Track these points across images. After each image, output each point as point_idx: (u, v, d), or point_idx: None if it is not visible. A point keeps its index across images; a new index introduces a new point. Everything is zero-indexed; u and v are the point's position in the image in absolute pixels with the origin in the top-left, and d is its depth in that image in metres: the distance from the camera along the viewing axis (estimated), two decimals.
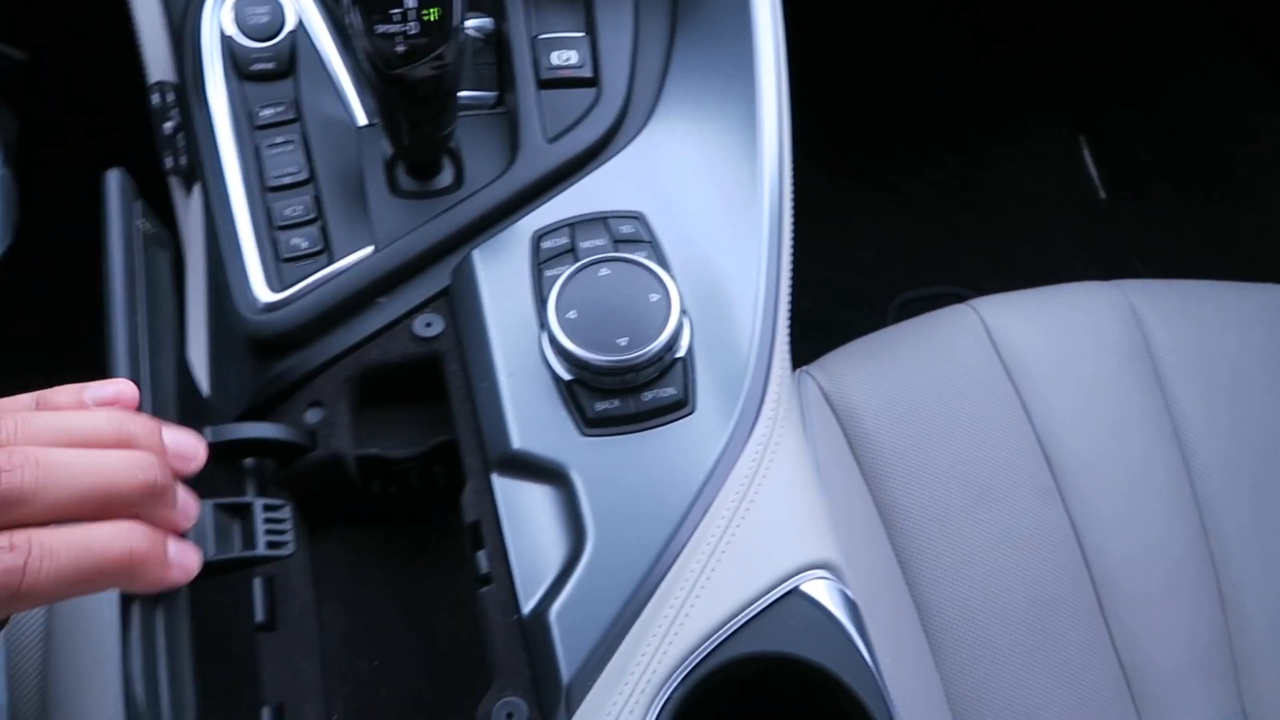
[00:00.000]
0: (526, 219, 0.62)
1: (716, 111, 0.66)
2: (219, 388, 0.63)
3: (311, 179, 0.63)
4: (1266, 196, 1.47)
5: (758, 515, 0.54)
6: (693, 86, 0.67)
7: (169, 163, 0.71)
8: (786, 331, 0.60)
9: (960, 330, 0.88)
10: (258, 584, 0.55)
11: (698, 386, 0.56)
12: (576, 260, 0.58)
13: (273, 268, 0.61)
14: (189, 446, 0.43)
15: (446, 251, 0.62)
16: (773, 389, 0.57)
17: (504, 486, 0.55)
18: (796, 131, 0.67)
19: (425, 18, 0.53)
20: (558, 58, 0.67)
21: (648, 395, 0.55)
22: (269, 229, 0.62)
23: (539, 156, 0.63)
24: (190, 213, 0.71)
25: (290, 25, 0.67)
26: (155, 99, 0.71)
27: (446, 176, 0.64)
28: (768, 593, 0.51)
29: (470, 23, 0.68)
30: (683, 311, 0.56)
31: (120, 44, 0.88)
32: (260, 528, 0.45)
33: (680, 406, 0.56)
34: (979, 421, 0.84)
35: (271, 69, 0.66)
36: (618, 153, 0.65)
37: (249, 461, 0.58)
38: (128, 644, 0.37)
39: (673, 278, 0.57)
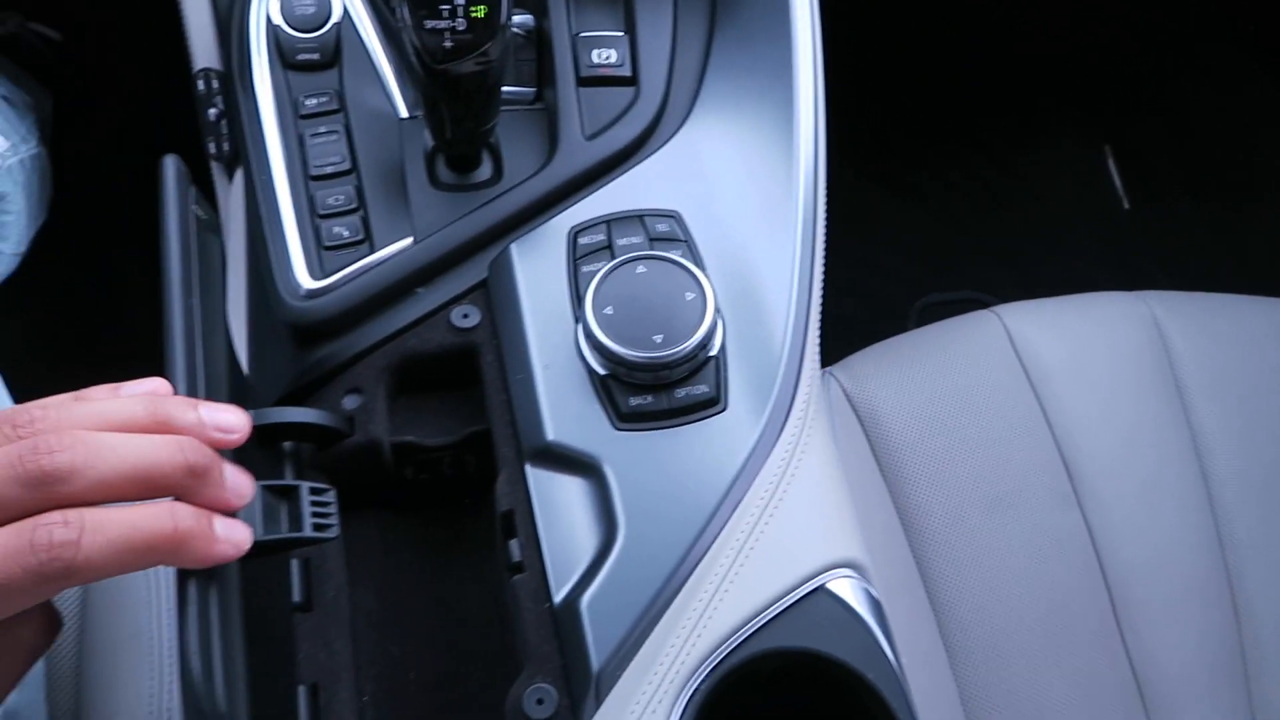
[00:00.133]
0: (564, 215, 0.63)
1: (753, 112, 0.67)
2: (258, 371, 0.64)
3: (353, 169, 0.64)
4: None
5: (786, 513, 0.55)
6: (730, 87, 0.68)
7: (212, 149, 0.72)
8: (817, 333, 0.61)
9: (984, 336, 0.89)
10: (295, 565, 0.57)
11: (729, 385, 0.57)
12: (613, 257, 0.59)
13: (315, 255, 0.62)
14: (229, 421, 0.44)
15: (485, 244, 0.63)
16: (803, 389, 0.58)
17: (537, 477, 0.56)
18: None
19: (473, 14, 0.54)
20: (598, 56, 0.67)
21: (680, 392, 0.56)
22: (311, 217, 0.63)
23: (577, 153, 0.64)
24: (231, 198, 0.72)
25: (335, 17, 0.68)
26: (200, 86, 0.72)
27: (485, 170, 0.65)
28: (794, 589, 0.52)
29: (513, 19, 0.69)
30: (717, 311, 0.57)
31: (155, 26, 0.90)
32: (307, 510, 0.46)
33: (712, 404, 0.56)
34: (999, 427, 0.85)
35: (316, 59, 0.67)
36: (654, 151, 0.65)
37: (287, 445, 0.59)
38: (184, 618, 0.38)
39: (708, 277, 0.58)
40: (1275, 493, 0.86)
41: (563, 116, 0.65)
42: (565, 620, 0.52)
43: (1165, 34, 1.56)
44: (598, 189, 0.64)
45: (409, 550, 0.62)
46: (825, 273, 0.64)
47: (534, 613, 0.53)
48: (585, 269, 0.60)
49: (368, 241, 0.62)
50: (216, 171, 0.75)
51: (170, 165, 0.48)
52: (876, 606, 0.53)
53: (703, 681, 0.50)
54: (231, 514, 0.42)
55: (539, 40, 0.70)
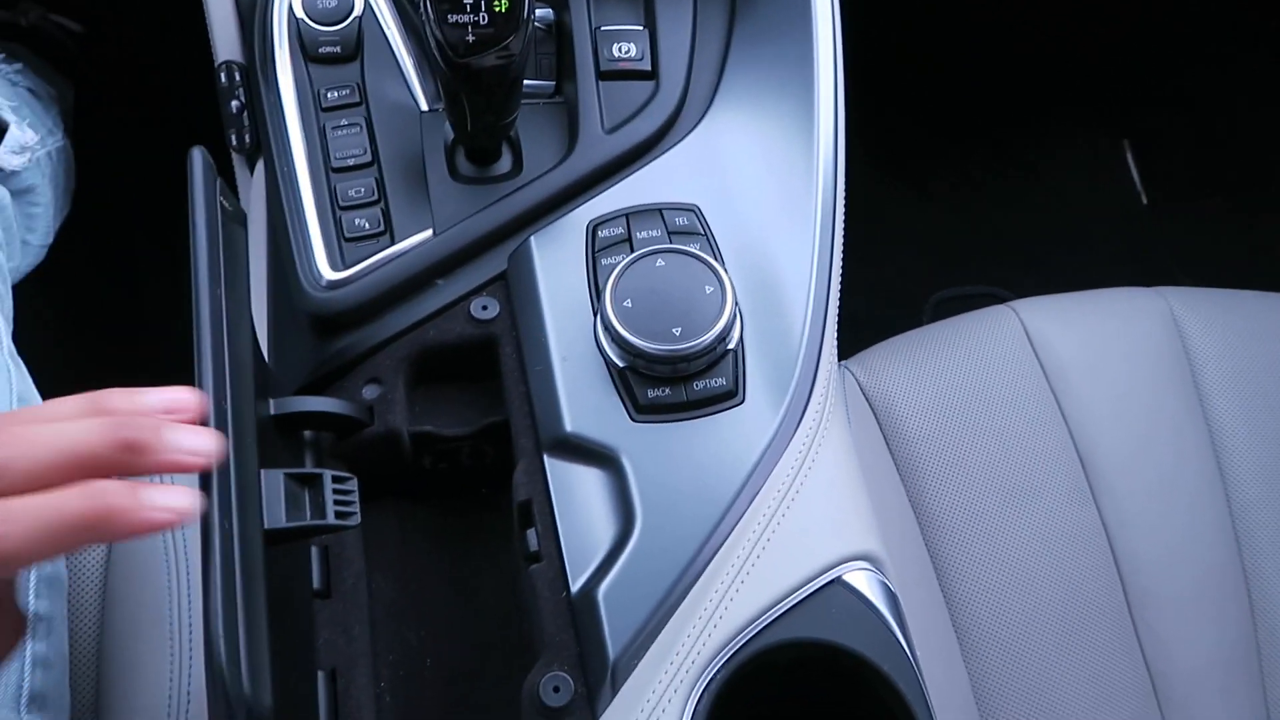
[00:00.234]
0: (583, 208, 0.63)
1: (772, 106, 0.67)
2: (278, 361, 0.65)
3: (374, 161, 0.65)
4: None
5: (802, 505, 0.55)
6: (749, 81, 0.68)
7: (233, 140, 0.73)
8: (835, 327, 0.62)
9: (1000, 331, 0.89)
10: (315, 553, 0.57)
11: (747, 378, 0.58)
12: (633, 250, 0.60)
13: (336, 247, 0.62)
14: (175, 401, 0.43)
15: (504, 237, 0.63)
16: (820, 383, 0.58)
17: (555, 468, 0.56)
18: None
19: (496, 9, 0.55)
20: (618, 50, 0.68)
21: (699, 384, 0.57)
22: (333, 208, 0.63)
23: (597, 146, 0.65)
24: (252, 190, 0.73)
25: (357, 10, 0.68)
26: (222, 78, 0.72)
27: (505, 163, 0.66)
28: (810, 581, 0.53)
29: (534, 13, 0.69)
30: (735, 304, 0.58)
31: (177, 18, 0.90)
32: (329, 498, 0.47)
33: (730, 397, 0.57)
34: (1015, 421, 0.85)
35: (338, 52, 0.68)
36: (674, 145, 0.66)
37: (308, 434, 0.59)
38: (209, 602, 0.39)
39: (727, 270, 0.58)
40: None
41: (583, 110, 0.66)
42: (582, 610, 0.52)
43: (1184, 29, 1.55)
44: (617, 182, 0.64)
45: (427, 539, 0.63)
46: (840, 267, 0.64)
47: (551, 602, 0.53)
48: (604, 262, 0.60)
49: (388, 233, 0.63)
50: (238, 163, 0.75)
51: (198, 157, 0.49)
52: (892, 599, 0.54)
53: (718, 672, 0.51)
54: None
55: (559, 34, 0.70)
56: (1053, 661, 0.79)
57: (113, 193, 1.20)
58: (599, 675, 0.51)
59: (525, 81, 0.68)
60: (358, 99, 0.67)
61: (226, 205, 0.49)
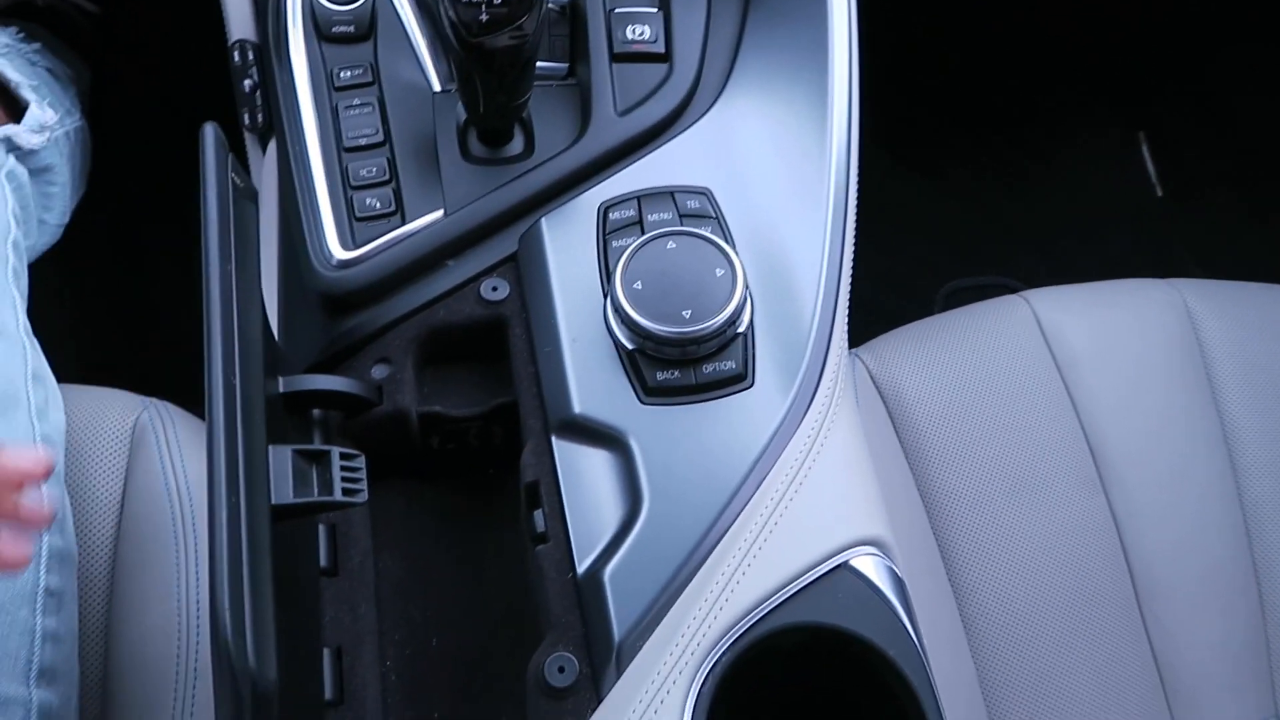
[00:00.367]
0: (594, 190, 0.63)
1: (786, 91, 0.67)
2: (288, 340, 0.65)
3: (386, 141, 0.65)
4: None
5: (810, 490, 0.55)
6: (763, 65, 0.68)
7: (246, 120, 0.73)
8: (846, 312, 0.61)
9: (1012, 321, 0.88)
10: (322, 531, 0.57)
11: (757, 361, 0.57)
12: (643, 232, 0.60)
13: (347, 226, 0.62)
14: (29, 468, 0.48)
15: (515, 218, 0.63)
16: (830, 367, 0.58)
17: (563, 449, 0.56)
18: None
19: None
20: (631, 32, 0.68)
21: (708, 367, 0.56)
22: (344, 188, 0.63)
23: (609, 129, 0.65)
24: (264, 169, 0.73)
25: None
26: (235, 57, 0.72)
27: (517, 145, 0.66)
28: (817, 565, 0.53)
29: None
30: (746, 287, 0.58)
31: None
32: (337, 475, 0.47)
33: (739, 380, 0.57)
34: (1025, 411, 0.85)
35: (351, 32, 0.68)
36: (686, 129, 0.66)
37: (316, 412, 0.60)
38: (216, 577, 0.39)
39: (738, 254, 0.58)
40: None
41: (595, 92, 0.66)
42: (588, 591, 0.53)
43: (1202, 22, 1.53)
44: (629, 165, 0.64)
45: (434, 519, 0.63)
46: (852, 254, 0.64)
47: (557, 583, 0.53)
48: (615, 244, 0.60)
49: (399, 213, 0.63)
50: (250, 142, 0.75)
51: (210, 132, 0.49)
52: (900, 584, 0.54)
53: (723, 655, 0.51)
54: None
55: (573, 15, 0.70)
56: (1060, 652, 0.79)
57: (127, 174, 1.21)
58: (604, 656, 0.51)
59: (538, 63, 0.68)
60: (370, 79, 0.67)
61: (238, 181, 0.49)
